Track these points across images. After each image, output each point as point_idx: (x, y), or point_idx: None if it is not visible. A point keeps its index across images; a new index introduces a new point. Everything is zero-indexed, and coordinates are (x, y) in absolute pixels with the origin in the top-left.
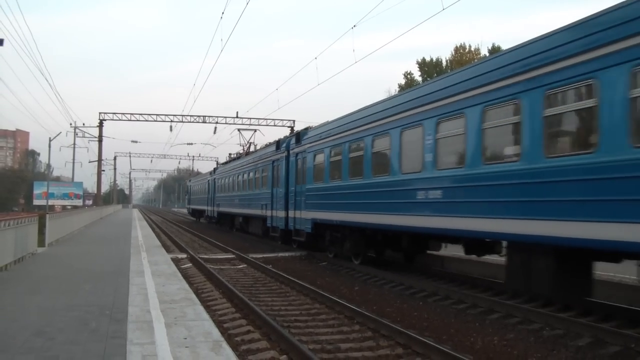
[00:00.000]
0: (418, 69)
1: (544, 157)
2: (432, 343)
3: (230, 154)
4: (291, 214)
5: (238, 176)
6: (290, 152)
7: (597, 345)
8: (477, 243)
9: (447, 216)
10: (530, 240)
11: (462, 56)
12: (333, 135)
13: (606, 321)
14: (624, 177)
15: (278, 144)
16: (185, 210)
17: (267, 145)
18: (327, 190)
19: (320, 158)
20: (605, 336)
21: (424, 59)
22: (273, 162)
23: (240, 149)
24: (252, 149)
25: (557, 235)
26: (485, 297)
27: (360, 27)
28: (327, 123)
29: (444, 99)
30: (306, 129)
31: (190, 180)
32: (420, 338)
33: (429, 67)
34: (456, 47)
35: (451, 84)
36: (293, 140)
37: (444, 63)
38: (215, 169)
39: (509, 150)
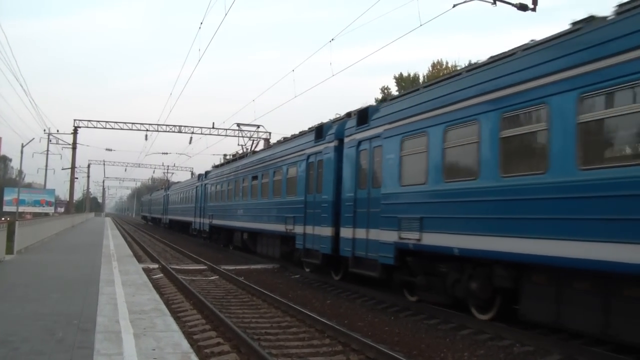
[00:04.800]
0: (395, 83)
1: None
2: (402, 358)
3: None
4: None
5: (160, 198)
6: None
7: None
8: None
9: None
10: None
11: (439, 72)
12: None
13: (576, 338)
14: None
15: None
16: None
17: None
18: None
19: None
20: (574, 353)
21: (401, 74)
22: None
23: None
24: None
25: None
26: (456, 313)
27: (338, 41)
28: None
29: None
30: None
31: (142, 197)
32: (391, 353)
33: (406, 82)
34: (433, 62)
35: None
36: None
37: (421, 78)
38: (151, 193)
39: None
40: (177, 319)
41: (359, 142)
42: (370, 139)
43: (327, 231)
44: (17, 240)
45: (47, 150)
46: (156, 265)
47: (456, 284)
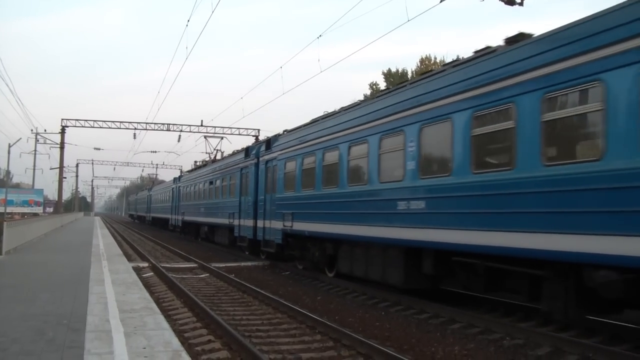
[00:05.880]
0: (384, 79)
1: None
2: (393, 353)
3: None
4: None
5: (144, 198)
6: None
7: (557, 355)
8: None
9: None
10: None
11: (428, 67)
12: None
13: (565, 331)
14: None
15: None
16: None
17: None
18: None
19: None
20: (564, 345)
21: (389, 70)
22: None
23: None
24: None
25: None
26: (446, 307)
27: (326, 38)
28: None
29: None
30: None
31: (129, 197)
32: (382, 348)
33: (394, 78)
34: (422, 58)
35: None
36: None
37: (410, 74)
38: (137, 193)
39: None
40: (168, 317)
41: (267, 161)
42: (272, 159)
43: (250, 223)
44: (5, 240)
45: (35, 150)
46: (146, 264)
47: (313, 254)
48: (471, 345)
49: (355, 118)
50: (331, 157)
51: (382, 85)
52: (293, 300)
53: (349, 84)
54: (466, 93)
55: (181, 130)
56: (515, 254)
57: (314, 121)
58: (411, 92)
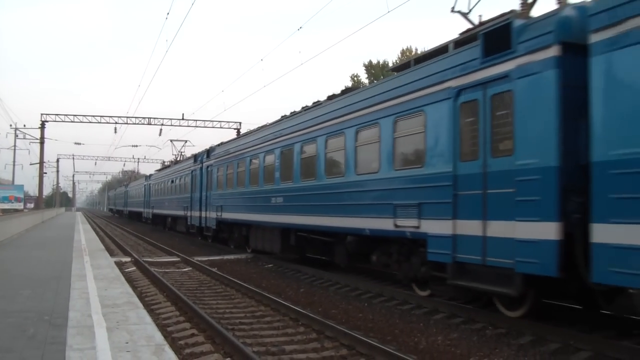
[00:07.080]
0: (365, 71)
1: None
2: (376, 344)
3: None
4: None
5: (122, 194)
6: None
7: (538, 343)
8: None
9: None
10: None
11: (409, 58)
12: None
13: (546, 321)
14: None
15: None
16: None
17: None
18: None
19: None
20: (545, 334)
21: (370, 62)
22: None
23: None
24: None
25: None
26: (429, 298)
27: (307, 29)
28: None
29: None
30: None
31: (109, 192)
32: (365, 339)
33: (375, 70)
34: (403, 49)
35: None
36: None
37: (391, 65)
38: (116, 189)
39: None
40: (151, 311)
41: (207, 166)
42: (210, 165)
43: (197, 214)
44: None
45: (15, 146)
46: (129, 259)
47: (236, 236)
48: (454, 335)
49: (253, 140)
50: (242, 165)
51: (364, 76)
52: (276, 292)
53: (331, 74)
54: (295, 133)
55: (162, 124)
56: (320, 229)
57: (236, 138)
58: (277, 127)
